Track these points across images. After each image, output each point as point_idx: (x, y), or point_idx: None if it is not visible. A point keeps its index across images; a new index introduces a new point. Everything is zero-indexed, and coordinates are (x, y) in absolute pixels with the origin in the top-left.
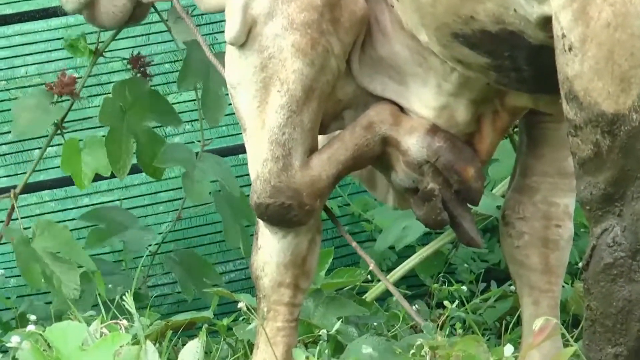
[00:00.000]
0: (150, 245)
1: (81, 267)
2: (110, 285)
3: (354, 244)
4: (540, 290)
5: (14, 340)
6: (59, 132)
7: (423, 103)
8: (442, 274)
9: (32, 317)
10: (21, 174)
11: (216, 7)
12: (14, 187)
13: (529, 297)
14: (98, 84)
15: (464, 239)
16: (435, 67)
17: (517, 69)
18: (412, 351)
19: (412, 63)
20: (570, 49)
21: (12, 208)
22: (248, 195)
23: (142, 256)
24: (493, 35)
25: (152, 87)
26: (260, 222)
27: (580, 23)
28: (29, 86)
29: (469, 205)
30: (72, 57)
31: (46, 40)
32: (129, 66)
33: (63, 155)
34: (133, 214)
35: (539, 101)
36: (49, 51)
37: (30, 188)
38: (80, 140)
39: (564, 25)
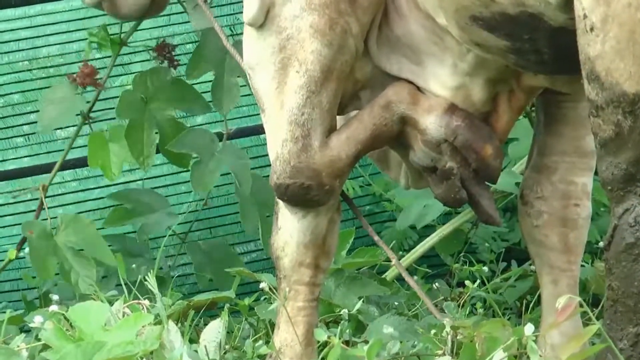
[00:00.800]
0: (171, 226)
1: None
2: (133, 266)
3: (370, 229)
4: (560, 269)
5: (37, 320)
6: (86, 122)
7: (439, 82)
8: (462, 253)
9: (55, 297)
10: (43, 153)
11: None
12: (38, 167)
13: (549, 276)
14: (121, 74)
15: (483, 217)
16: (452, 47)
17: (536, 52)
18: (433, 331)
19: (429, 42)
20: (592, 30)
21: (41, 202)
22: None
23: (164, 236)
24: (512, 18)
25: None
26: (280, 203)
27: (601, 3)
28: (51, 66)
29: (487, 183)
30: None
31: (68, 21)
32: (153, 54)
33: (90, 149)
34: (162, 197)
35: (556, 81)
36: (70, 31)
37: (53, 168)
38: (105, 131)
39: (586, 5)
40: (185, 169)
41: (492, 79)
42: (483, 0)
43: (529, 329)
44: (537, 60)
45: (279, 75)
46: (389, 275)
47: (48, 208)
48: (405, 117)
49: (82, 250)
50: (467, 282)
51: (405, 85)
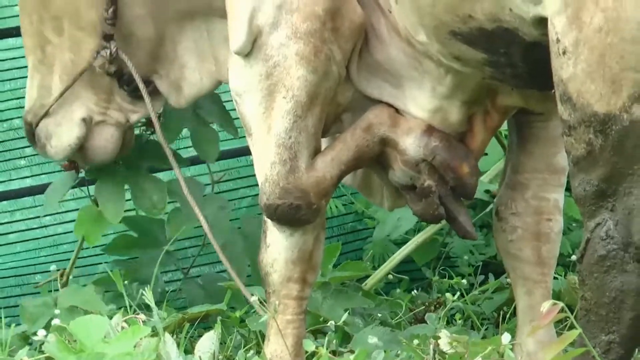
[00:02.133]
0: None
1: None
2: (126, 282)
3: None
4: (534, 281)
5: (40, 333)
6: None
7: (418, 105)
8: (442, 267)
9: (57, 311)
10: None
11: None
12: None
13: (523, 287)
14: None
15: (460, 232)
16: (430, 71)
17: (512, 65)
18: (416, 341)
19: (408, 67)
20: (564, 53)
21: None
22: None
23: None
24: (490, 33)
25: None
26: (268, 222)
27: (574, 28)
28: None
29: (463, 199)
30: None
31: None
32: None
33: (78, 220)
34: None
35: (530, 99)
36: None
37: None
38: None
39: (559, 30)
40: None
41: (468, 101)
42: (461, 17)
43: (505, 338)
44: (513, 73)
45: (265, 101)
46: (368, 284)
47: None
48: (386, 138)
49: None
50: (447, 295)
51: (385, 109)
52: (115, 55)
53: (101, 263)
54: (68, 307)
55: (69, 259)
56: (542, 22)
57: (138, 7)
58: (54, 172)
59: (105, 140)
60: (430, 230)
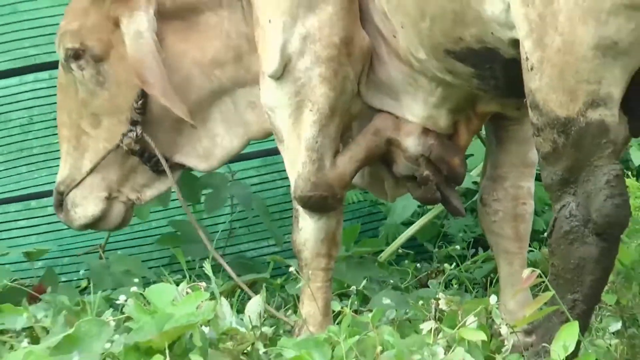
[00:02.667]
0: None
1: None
2: (189, 257)
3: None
4: (513, 253)
5: (121, 298)
6: None
7: (413, 114)
8: (441, 243)
9: (135, 280)
10: None
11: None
12: None
13: (504, 259)
14: None
15: (453, 211)
16: (424, 86)
17: (494, 77)
18: (421, 302)
19: (405, 84)
20: (532, 69)
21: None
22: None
23: (218, 232)
24: (476, 51)
25: None
26: (300, 209)
27: (538, 49)
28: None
29: (454, 185)
30: None
31: None
32: None
33: None
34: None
35: (505, 106)
36: None
37: None
38: None
39: (527, 50)
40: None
41: (453, 109)
42: (454, 39)
43: (493, 299)
44: (495, 84)
45: (295, 114)
46: (382, 257)
47: None
48: (391, 139)
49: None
50: (445, 265)
51: (388, 116)
52: (141, 137)
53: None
54: (123, 270)
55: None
56: (516, 43)
57: (159, 107)
58: None
59: (116, 215)
60: (430, 214)
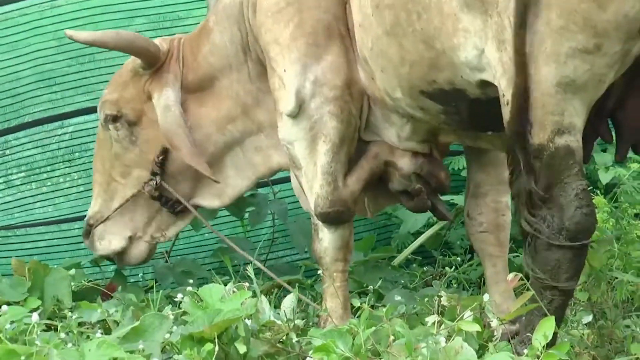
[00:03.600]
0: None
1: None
2: (235, 262)
3: (231, 243)
4: (496, 257)
5: (179, 296)
6: None
7: (392, 144)
8: (443, 249)
9: (190, 281)
10: None
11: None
12: None
13: (489, 261)
14: None
15: (440, 216)
16: (396, 122)
17: (459, 113)
18: (426, 299)
19: (383, 121)
20: (507, 103)
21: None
22: None
23: (260, 241)
24: (446, 92)
25: None
26: (319, 223)
27: (510, 87)
28: None
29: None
30: None
31: None
32: None
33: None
34: (248, 241)
35: (463, 138)
36: None
37: None
38: None
39: (502, 87)
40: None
41: (421, 141)
42: (428, 82)
43: (486, 297)
44: (459, 119)
45: (311, 145)
46: (396, 262)
47: None
48: (388, 161)
49: None
50: (446, 268)
51: (382, 143)
52: (160, 185)
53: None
54: (182, 272)
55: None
56: (483, 84)
57: (179, 160)
58: None
59: (139, 251)
60: (437, 226)
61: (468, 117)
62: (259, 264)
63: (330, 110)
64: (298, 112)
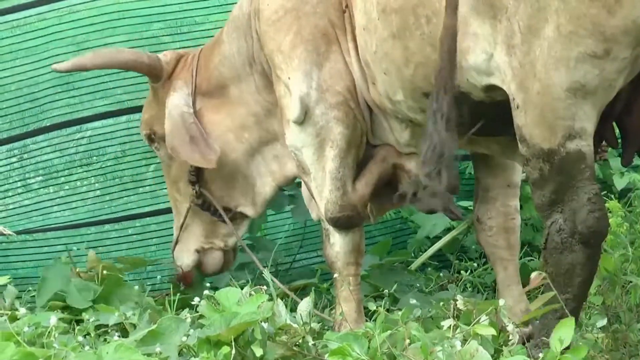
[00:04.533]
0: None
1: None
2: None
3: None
4: (507, 260)
5: (196, 299)
6: None
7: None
8: (459, 254)
9: (207, 284)
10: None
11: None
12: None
13: (500, 265)
14: None
15: (452, 216)
16: (395, 128)
17: (460, 116)
18: (442, 303)
19: (384, 127)
20: (518, 107)
21: None
22: None
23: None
24: None
25: None
26: (330, 228)
27: (521, 91)
28: None
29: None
30: None
31: None
32: None
33: None
34: (272, 242)
35: (462, 143)
36: None
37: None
38: None
39: (513, 92)
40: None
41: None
42: (431, 83)
43: (501, 301)
44: (460, 122)
45: (318, 151)
46: (412, 266)
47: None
48: (396, 164)
49: None
50: (462, 272)
51: (389, 147)
52: (200, 193)
53: None
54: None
55: None
56: (489, 88)
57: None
58: None
59: (213, 260)
60: (455, 231)
61: (471, 119)
62: (268, 275)
63: (336, 115)
64: (304, 119)
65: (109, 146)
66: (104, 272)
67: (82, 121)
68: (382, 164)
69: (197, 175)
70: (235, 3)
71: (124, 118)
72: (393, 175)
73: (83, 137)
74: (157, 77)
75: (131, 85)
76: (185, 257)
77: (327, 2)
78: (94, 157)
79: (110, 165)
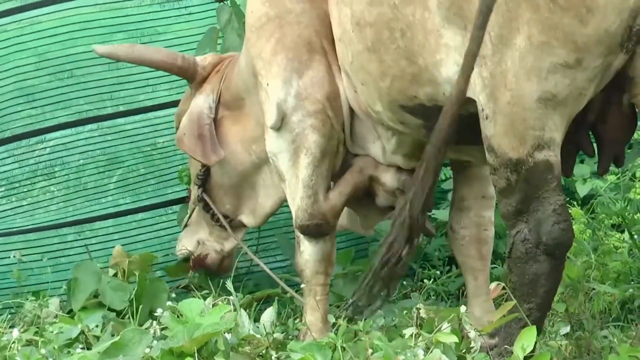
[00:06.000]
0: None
1: None
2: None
3: (261, 264)
4: (478, 270)
5: (158, 311)
6: None
7: (377, 159)
8: (422, 261)
9: (172, 295)
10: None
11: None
12: None
13: (471, 275)
14: None
15: (424, 232)
16: (382, 134)
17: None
18: (405, 311)
19: (369, 134)
20: (487, 118)
21: None
22: None
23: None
24: (427, 107)
25: None
26: (300, 236)
27: (491, 101)
28: None
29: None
30: None
31: None
32: None
33: None
34: None
35: (448, 151)
36: None
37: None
38: None
39: (482, 102)
40: None
41: (408, 155)
42: (409, 96)
43: (463, 309)
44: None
45: (293, 158)
46: None
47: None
48: (372, 176)
49: None
50: (425, 280)
51: (368, 157)
52: (202, 197)
53: None
54: None
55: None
56: (464, 102)
57: (217, 175)
58: None
59: (210, 260)
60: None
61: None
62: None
63: (312, 123)
64: (281, 125)
65: (70, 156)
66: (131, 268)
67: (43, 132)
68: (358, 174)
69: (204, 179)
70: (200, 12)
71: (84, 128)
72: (370, 188)
73: (45, 148)
74: (190, 79)
75: (93, 95)
76: (187, 242)
77: (313, 12)
78: (56, 167)
79: (72, 174)
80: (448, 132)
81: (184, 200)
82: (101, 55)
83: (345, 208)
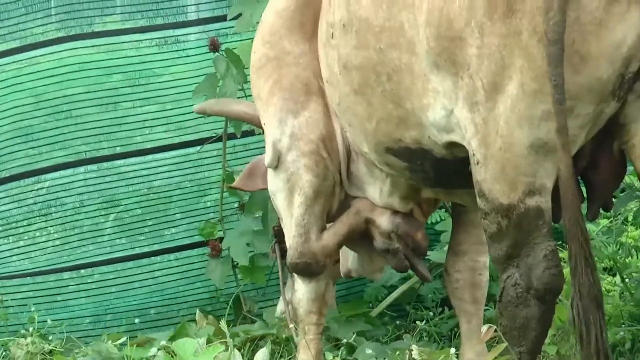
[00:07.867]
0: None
1: None
2: (210, 316)
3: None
4: (471, 314)
5: (152, 350)
6: None
7: (375, 201)
8: (415, 303)
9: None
10: None
11: None
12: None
13: (464, 318)
14: None
15: (420, 276)
16: (378, 176)
17: (424, 171)
18: (397, 352)
19: (366, 176)
20: (478, 163)
21: None
22: None
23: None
24: (412, 150)
25: None
26: (295, 275)
27: (483, 147)
28: None
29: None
30: None
31: None
32: None
33: None
34: None
35: (439, 194)
36: None
37: None
38: None
39: (474, 148)
40: None
41: (404, 197)
42: (394, 139)
43: (452, 350)
44: (424, 177)
45: (288, 197)
46: (374, 312)
47: None
48: (368, 218)
49: None
50: (417, 322)
51: (365, 200)
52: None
53: None
54: None
55: None
56: (450, 145)
57: None
58: None
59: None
60: (411, 281)
61: (434, 175)
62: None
63: (305, 163)
64: (277, 164)
65: (67, 196)
66: None
67: (40, 172)
68: (354, 216)
69: None
70: (197, 55)
71: (82, 169)
72: (367, 230)
73: (42, 188)
74: None
75: (89, 136)
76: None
77: (312, 54)
78: (52, 208)
79: (69, 215)
80: (578, 210)
81: (182, 248)
82: (198, 113)
83: (356, 254)
